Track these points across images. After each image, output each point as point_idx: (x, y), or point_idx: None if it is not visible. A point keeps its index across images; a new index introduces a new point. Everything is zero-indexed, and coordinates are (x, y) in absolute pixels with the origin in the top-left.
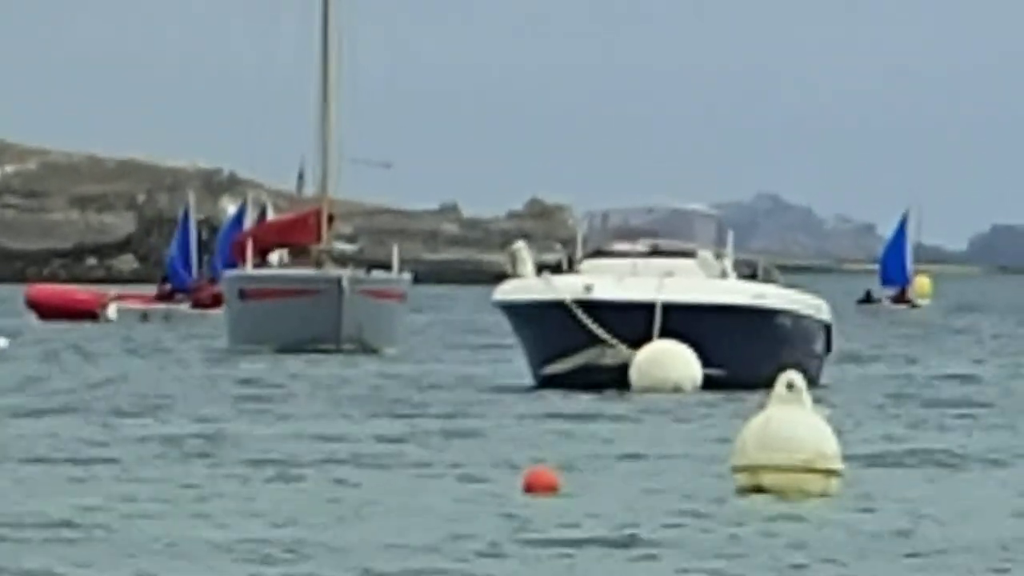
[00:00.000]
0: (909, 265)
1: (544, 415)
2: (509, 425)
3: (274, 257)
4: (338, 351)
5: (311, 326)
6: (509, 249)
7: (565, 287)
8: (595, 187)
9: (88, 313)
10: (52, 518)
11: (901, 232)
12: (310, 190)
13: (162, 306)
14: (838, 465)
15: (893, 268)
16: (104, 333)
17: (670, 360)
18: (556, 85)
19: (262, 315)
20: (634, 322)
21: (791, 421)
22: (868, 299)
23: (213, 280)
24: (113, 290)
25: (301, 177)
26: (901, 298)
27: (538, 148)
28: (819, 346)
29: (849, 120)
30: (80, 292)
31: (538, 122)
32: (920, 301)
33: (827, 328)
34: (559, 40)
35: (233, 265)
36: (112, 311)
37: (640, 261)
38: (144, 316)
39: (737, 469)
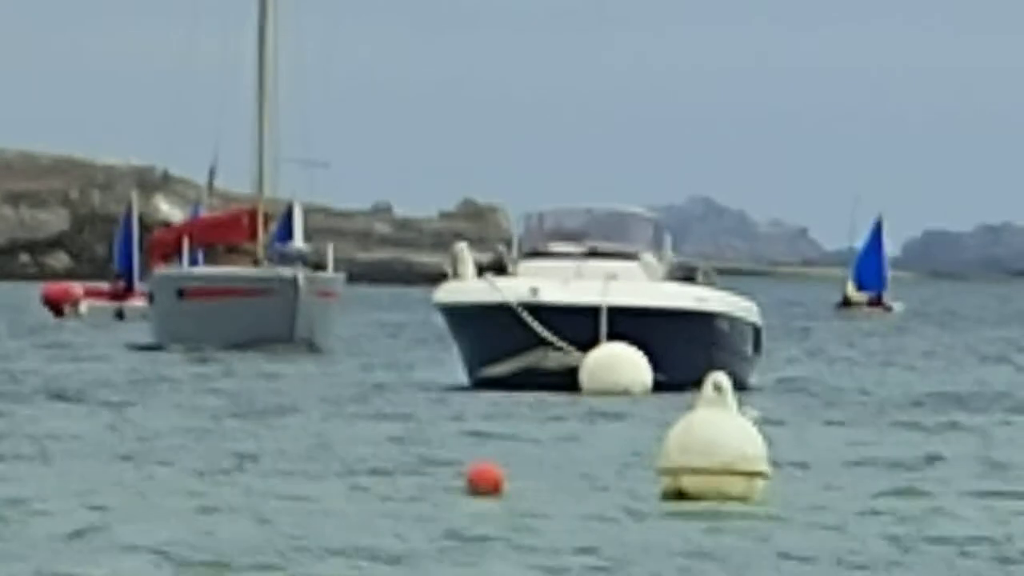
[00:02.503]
0: (886, 270)
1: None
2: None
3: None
4: (287, 350)
5: (264, 325)
6: (451, 250)
7: (510, 289)
8: (528, 189)
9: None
10: None
11: (877, 237)
12: (246, 189)
13: (138, 303)
14: (762, 467)
15: (868, 273)
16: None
17: (620, 364)
18: (488, 86)
19: (206, 314)
20: (580, 325)
21: (714, 423)
22: (846, 303)
23: None
24: (78, 286)
25: (212, 174)
26: (877, 302)
27: (471, 149)
28: (750, 349)
29: (783, 124)
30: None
31: (471, 123)
32: (896, 305)
33: (757, 331)
34: (491, 42)
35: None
36: (84, 307)
37: (582, 263)
38: (119, 313)
39: (660, 472)
